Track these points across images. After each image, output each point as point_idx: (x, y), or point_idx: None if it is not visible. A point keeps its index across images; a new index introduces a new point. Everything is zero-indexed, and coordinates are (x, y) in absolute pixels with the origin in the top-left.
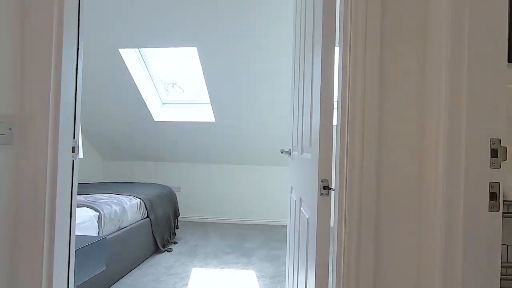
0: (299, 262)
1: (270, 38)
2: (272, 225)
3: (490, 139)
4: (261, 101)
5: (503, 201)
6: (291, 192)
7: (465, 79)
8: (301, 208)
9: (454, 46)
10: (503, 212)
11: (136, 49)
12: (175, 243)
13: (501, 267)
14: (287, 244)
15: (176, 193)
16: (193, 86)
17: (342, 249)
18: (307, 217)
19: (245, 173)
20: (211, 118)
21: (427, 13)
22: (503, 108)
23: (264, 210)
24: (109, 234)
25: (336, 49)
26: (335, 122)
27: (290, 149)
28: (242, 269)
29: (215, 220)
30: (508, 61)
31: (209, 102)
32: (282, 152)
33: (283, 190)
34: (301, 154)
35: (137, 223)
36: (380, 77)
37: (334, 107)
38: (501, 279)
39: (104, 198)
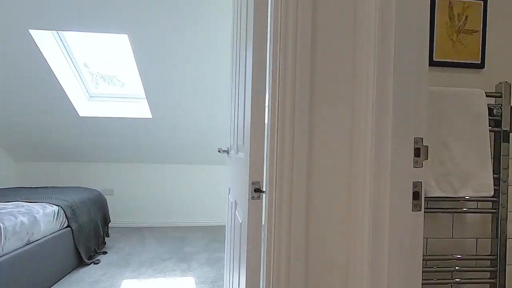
0: (234, 267)
1: (210, 31)
2: (215, 226)
3: (414, 138)
4: (201, 97)
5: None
6: (228, 194)
7: (391, 82)
8: (236, 211)
9: (381, 53)
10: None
11: (54, 32)
12: (104, 253)
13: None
14: (225, 248)
15: (107, 196)
16: (135, 81)
17: (272, 254)
18: (240, 221)
19: (184, 173)
20: (147, 114)
21: (356, 18)
22: (425, 108)
23: (206, 211)
24: (14, 250)
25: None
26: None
27: (228, 148)
28: (180, 276)
29: (152, 224)
30: (429, 65)
31: (145, 96)
32: (219, 151)
33: (224, 190)
34: (237, 153)
35: (53, 235)
36: (311, 75)
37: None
38: (422, 271)
39: (9, 207)
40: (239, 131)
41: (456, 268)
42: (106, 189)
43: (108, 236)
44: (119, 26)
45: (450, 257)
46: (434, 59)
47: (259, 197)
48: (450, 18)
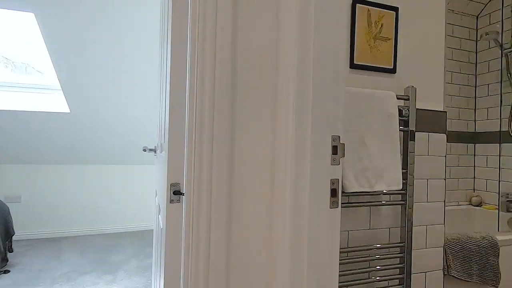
0: (157, 277)
1: (140, 15)
2: (147, 230)
3: (331, 136)
4: (127, 90)
5: (343, 192)
6: (155, 196)
7: (311, 82)
8: (159, 216)
9: (301, 54)
10: (342, 203)
11: None
12: (6, 272)
13: (341, 252)
14: (153, 256)
15: (13, 204)
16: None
17: (189, 263)
18: (161, 227)
19: (110, 174)
20: (64, 109)
21: (277, 23)
22: (342, 107)
23: (136, 214)
24: None
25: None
26: None
27: (155, 147)
28: None
29: (73, 233)
30: (350, 67)
31: (60, 88)
32: (145, 150)
33: (154, 191)
34: (161, 152)
35: None
36: (232, 74)
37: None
38: (343, 263)
39: None
40: (161, 128)
41: (377, 256)
42: (11, 195)
43: (11, 251)
44: (23, 1)
45: (368, 247)
46: (354, 62)
47: (179, 200)
48: (368, 25)
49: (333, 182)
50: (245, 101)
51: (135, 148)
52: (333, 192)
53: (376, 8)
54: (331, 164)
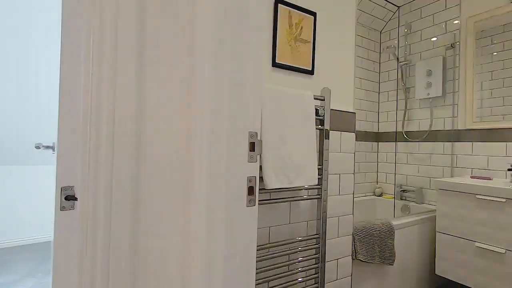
0: None
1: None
2: (50, 241)
3: (249, 132)
4: (20, 75)
5: (263, 189)
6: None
7: (228, 77)
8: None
9: (219, 51)
10: (264, 200)
11: None
12: None
13: (263, 248)
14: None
15: None
16: None
17: (83, 283)
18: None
19: None
20: None
21: (193, 23)
22: (260, 103)
23: (34, 224)
24: None
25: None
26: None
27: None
28: None
29: None
30: (272, 65)
31: None
32: (38, 148)
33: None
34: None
35: None
36: (138, 58)
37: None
38: (262, 259)
39: None
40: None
41: (299, 249)
42: None
43: None
44: None
45: (287, 241)
46: (276, 61)
47: (72, 207)
48: (289, 26)
49: (250, 179)
50: (153, 89)
51: (30, 145)
52: (250, 190)
53: (297, 11)
54: (248, 162)
